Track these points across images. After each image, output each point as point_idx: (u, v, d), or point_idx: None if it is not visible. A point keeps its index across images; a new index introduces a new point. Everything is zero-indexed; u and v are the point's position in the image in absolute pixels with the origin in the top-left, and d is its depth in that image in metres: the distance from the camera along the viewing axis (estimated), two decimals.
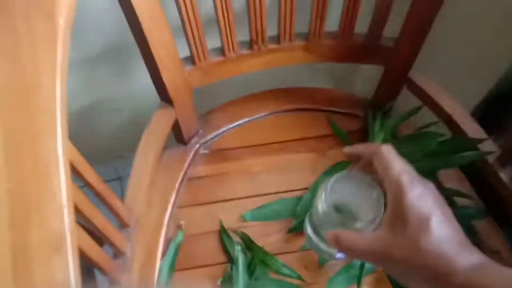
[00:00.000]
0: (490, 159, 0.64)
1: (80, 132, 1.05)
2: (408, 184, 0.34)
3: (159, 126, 0.64)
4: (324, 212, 0.44)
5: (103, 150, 1.05)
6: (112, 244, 0.51)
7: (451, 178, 0.73)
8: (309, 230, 0.54)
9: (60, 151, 0.34)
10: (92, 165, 0.51)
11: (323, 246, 0.52)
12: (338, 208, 0.44)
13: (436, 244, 0.31)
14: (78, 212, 0.40)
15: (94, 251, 0.44)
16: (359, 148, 0.43)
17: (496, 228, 0.68)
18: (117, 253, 0.53)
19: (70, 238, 0.34)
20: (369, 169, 0.41)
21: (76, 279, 0.34)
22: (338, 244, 0.38)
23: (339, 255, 0.54)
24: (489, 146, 0.65)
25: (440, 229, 0.32)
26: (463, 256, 0.30)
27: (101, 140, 1.05)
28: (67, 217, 0.34)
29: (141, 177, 0.60)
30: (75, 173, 0.44)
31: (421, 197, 0.34)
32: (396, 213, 0.34)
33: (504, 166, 0.63)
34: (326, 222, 0.46)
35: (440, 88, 0.70)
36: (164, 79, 0.59)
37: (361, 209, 0.45)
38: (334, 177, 0.44)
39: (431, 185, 0.36)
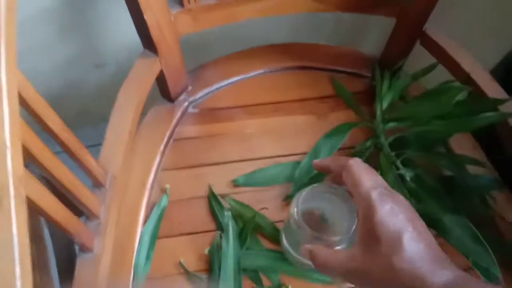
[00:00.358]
0: (510, 121, 0.57)
1: (58, 93, 0.97)
2: (377, 201, 0.33)
3: (141, 76, 0.57)
4: (297, 224, 0.44)
5: (86, 113, 0.98)
6: (82, 205, 0.44)
7: (464, 144, 0.67)
8: (285, 241, 0.54)
9: (2, 74, 0.27)
10: (73, 129, 0.44)
11: (300, 258, 0.52)
12: (312, 220, 0.44)
13: (410, 263, 0.30)
14: (31, 159, 0.33)
15: (56, 209, 0.37)
16: (327, 161, 0.42)
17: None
18: (89, 215, 0.47)
19: (14, 188, 0.27)
20: (341, 181, 0.40)
21: (22, 241, 0.27)
22: (313, 260, 0.38)
23: None
24: (510, 108, 0.58)
25: (413, 246, 0.31)
26: (437, 274, 0.30)
27: (82, 100, 0.97)
28: (11, 162, 0.27)
29: (118, 133, 0.52)
30: (35, 119, 0.37)
31: (392, 213, 0.33)
32: (369, 231, 0.33)
33: None
34: (300, 234, 0.45)
35: (458, 44, 0.63)
36: (146, 19, 0.51)
37: (335, 221, 0.46)
38: (307, 189, 0.44)
39: (401, 198, 0.35)
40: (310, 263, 0.50)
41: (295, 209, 0.44)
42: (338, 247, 0.44)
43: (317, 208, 0.48)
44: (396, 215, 0.33)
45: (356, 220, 0.42)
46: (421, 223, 0.33)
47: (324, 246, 0.42)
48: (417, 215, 0.34)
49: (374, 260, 0.32)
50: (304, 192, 0.44)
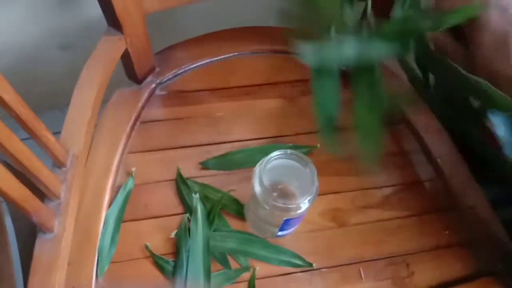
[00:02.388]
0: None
1: (22, 76, 0.93)
2: None
3: (105, 54, 0.55)
4: (260, 191, 0.48)
5: (53, 97, 0.94)
6: (41, 184, 0.43)
7: (430, 130, 0.68)
8: (249, 211, 0.56)
9: None
10: (39, 114, 0.42)
11: (264, 225, 0.54)
12: (274, 187, 0.48)
13: None
14: None
15: (12, 186, 0.35)
16: None
17: (473, 183, 0.64)
18: (49, 195, 0.45)
19: None
20: None
21: None
22: None
23: (280, 233, 0.55)
24: None
25: None
26: None
27: (50, 84, 0.94)
28: None
29: (80, 111, 0.50)
30: None
31: None
32: None
33: None
34: (263, 201, 0.48)
35: None
36: None
37: (296, 186, 0.51)
38: (269, 156, 0.48)
39: None
40: (275, 230, 0.54)
41: (258, 175, 0.48)
42: (302, 209, 0.48)
43: (279, 173, 0.51)
44: None
45: (317, 184, 0.47)
46: None
47: (290, 210, 0.48)
48: None
49: None
50: (266, 159, 0.49)
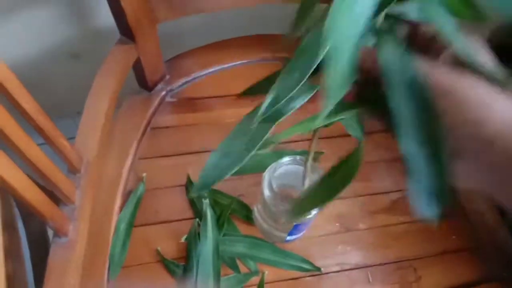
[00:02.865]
0: None
1: (32, 84, 0.94)
2: None
3: (117, 62, 0.56)
4: (269, 197, 0.48)
5: (61, 105, 0.96)
6: (57, 189, 0.44)
7: None
8: (258, 216, 0.56)
9: None
10: None
11: (273, 230, 0.55)
12: (283, 192, 0.47)
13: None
14: (6, 141, 0.33)
15: (29, 189, 0.37)
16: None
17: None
18: (64, 200, 0.46)
19: None
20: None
21: None
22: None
23: (289, 238, 0.55)
24: None
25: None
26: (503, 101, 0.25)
27: (58, 93, 0.96)
28: None
29: (94, 118, 0.52)
30: (7, 97, 0.36)
31: None
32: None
33: None
34: (272, 206, 0.48)
35: None
36: (123, 5, 0.51)
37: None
38: (278, 162, 0.49)
39: None
40: (283, 235, 0.55)
41: (267, 181, 0.49)
42: (311, 214, 0.49)
43: (287, 179, 0.51)
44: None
45: None
46: None
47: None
48: None
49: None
50: (276, 164, 0.49)
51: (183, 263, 0.56)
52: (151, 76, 0.65)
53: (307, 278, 0.57)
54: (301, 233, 0.57)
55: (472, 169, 0.26)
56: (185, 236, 0.58)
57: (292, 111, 0.32)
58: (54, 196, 0.46)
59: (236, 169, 0.31)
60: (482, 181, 0.27)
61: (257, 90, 0.48)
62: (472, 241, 0.61)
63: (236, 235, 0.58)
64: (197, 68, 0.71)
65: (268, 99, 0.31)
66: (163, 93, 0.68)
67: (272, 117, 0.32)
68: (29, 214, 0.56)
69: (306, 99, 0.32)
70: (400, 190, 0.65)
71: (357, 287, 0.57)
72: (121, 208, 0.59)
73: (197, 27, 0.84)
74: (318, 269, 0.57)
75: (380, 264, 0.59)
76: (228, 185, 0.62)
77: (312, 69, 0.28)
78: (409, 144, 0.26)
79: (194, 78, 0.71)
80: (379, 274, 0.58)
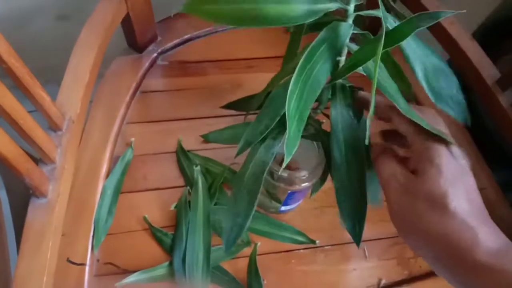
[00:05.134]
0: (489, 82, 0.56)
1: (17, 47, 0.90)
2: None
3: (104, 16, 0.52)
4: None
5: (49, 69, 0.91)
6: (36, 146, 0.40)
7: (438, 110, 0.66)
8: None
9: None
10: None
11: (267, 200, 0.52)
12: (278, 158, 0.44)
13: (466, 207, 0.28)
14: None
15: (5, 144, 0.33)
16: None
17: (482, 164, 0.62)
18: (44, 159, 0.43)
19: None
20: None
21: None
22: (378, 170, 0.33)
23: (283, 208, 0.54)
24: (489, 69, 0.57)
25: (473, 192, 0.29)
26: (490, 235, 0.27)
27: (44, 56, 0.91)
28: None
29: (78, 74, 0.48)
30: None
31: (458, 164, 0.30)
32: (423, 162, 0.30)
33: (504, 90, 0.55)
34: (268, 173, 0.44)
35: (439, 2, 0.61)
36: None
37: (302, 159, 0.47)
38: None
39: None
40: (277, 205, 0.52)
41: None
42: (306, 183, 0.46)
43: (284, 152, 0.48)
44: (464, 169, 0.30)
45: (323, 157, 0.44)
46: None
47: (295, 183, 0.46)
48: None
49: (424, 189, 0.28)
50: None
51: (171, 232, 0.53)
52: (141, 36, 0.61)
53: (301, 250, 0.54)
54: (296, 204, 0.55)
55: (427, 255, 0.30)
56: (174, 204, 0.55)
57: (273, 156, 0.37)
58: (35, 158, 0.43)
59: (249, 222, 0.36)
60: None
61: (236, 106, 0.52)
62: None
63: (228, 204, 0.55)
64: (190, 30, 0.67)
65: (240, 144, 0.38)
66: (154, 55, 0.64)
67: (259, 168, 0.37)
68: (14, 183, 0.53)
69: (279, 144, 0.37)
70: None
71: (352, 261, 0.54)
72: (108, 174, 0.55)
73: None
74: (313, 241, 0.54)
75: (377, 239, 0.56)
76: (220, 154, 0.59)
77: (275, 121, 0.35)
78: (338, 182, 0.34)
79: (188, 41, 0.67)
80: (376, 249, 0.56)
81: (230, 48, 0.68)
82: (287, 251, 0.54)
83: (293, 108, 0.30)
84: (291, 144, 0.30)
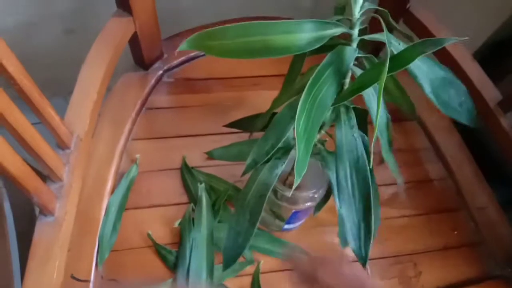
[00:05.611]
0: (491, 104, 0.57)
1: (22, 60, 0.91)
2: None
3: (113, 35, 0.53)
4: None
5: (54, 83, 0.92)
6: (44, 164, 0.41)
7: (440, 127, 0.67)
8: None
9: None
10: None
11: (270, 218, 0.52)
12: (283, 177, 0.45)
13: None
14: None
15: (15, 162, 0.34)
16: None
17: (483, 183, 0.63)
18: (52, 177, 0.43)
19: None
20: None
21: None
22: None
23: (287, 226, 0.54)
24: (491, 91, 0.58)
25: None
26: None
27: (50, 69, 0.92)
28: None
29: (86, 93, 0.49)
30: None
31: None
32: None
33: (506, 112, 0.56)
34: (272, 192, 0.46)
35: (441, 24, 0.62)
36: None
37: (306, 178, 0.44)
38: None
39: None
40: (280, 224, 0.53)
41: None
42: (309, 203, 0.46)
43: (287, 170, 0.48)
44: None
45: (327, 177, 0.43)
46: None
47: (298, 201, 0.46)
48: None
49: None
50: None
51: (175, 249, 0.53)
52: (148, 53, 0.62)
53: None
54: (300, 223, 0.55)
55: None
56: (178, 221, 0.55)
57: (276, 178, 0.38)
58: (42, 175, 0.43)
59: (249, 243, 0.37)
60: None
61: (240, 125, 0.51)
62: (474, 236, 0.59)
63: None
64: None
65: (247, 162, 0.39)
66: (160, 72, 0.65)
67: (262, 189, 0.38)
68: (17, 195, 0.54)
69: (283, 165, 0.38)
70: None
71: None
72: (112, 190, 0.56)
73: (197, 6, 0.81)
74: None
75: (379, 258, 0.57)
76: (224, 171, 0.60)
77: (282, 141, 0.36)
78: (345, 209, 0.35)
79: (193, 58, 0.68)
80: (378, 268, 0.56)
81: (235, 66, 0.69)
82: (290, 269, 0.54)
83: (302, 129, 0.31)
84: (300, 165, 0.31)
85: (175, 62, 0.67)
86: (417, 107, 0.68)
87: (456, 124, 0.67)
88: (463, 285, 0.56)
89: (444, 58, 0.61)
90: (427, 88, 0.38)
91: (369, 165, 0.34)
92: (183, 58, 0.67)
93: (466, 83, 0.58)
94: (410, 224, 0.60)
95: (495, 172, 0.66)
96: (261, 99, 0.67)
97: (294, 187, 0.31)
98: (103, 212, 0.54)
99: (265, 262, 0.54)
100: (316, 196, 0.47)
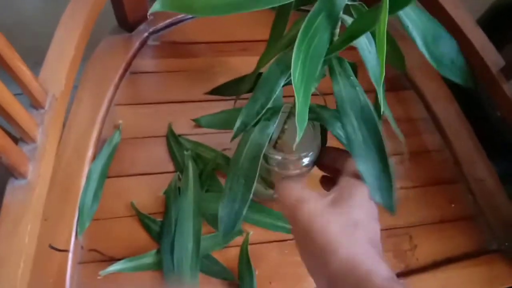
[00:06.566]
0: (494, 70, 0.54)
1: (7, 28, 0.87)
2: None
3: None
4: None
5: (38, 51, 0.88)
6: (15, 124, 0.38)
7: (438, 97, 0.64)
8: None
9: None
10: None
11: (260, 188, 0.50)
12: (273, 142, 0.43)
13: (371, 239, 0.30)
14: None
15: None
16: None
17: (482, 155, 0.61)
18: (24, 137, 0.40)
19: None
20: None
21: None
22: (278, 191, 0.36)
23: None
24: (493, 57, 0.55)
25: (377, 232, 0.32)
26: (384, 267, 0.29)
27: (33, 36, 0.88)
28: None
29: (62, 49, 0.45)
30: None
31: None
32: (346, 191, 0.33)
33: (508, 79, 0.53)
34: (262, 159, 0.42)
35: None
36: None
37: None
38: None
39: None
40: (271, 192, 0.51)
41: None
42: (304, 165, 0.43)
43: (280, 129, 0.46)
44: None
45: (320, 140, 0.42)
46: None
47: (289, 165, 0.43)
48: None
49: (338, 214, 0.31)
50: None
51: (160, 218, 0.51)
52: (132, 14, 0.58)
53: (294, 240, 0.52)
54: None
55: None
56: (164, 190, 0.52)
57: (269, 137, 0.35)
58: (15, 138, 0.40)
59: (246, 208, 0.35)
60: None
61: (224, 91, 0.49)
62: (471, 209, 0.57)
63: (219, 191, 0.53)
64: None
65: (236, 125, 0.36)
66: (145, 34, 0.62)
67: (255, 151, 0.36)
68: None
69: (275, 124, 0.36)
70: (397, 154, 0.60)
71: None
72: (94, 157, 0.53)
73: None
74: None
75: None
76: (212, 139, 0.57)
77: (272, 99, 0.34)
78: (363, 165, 0.32)
79: (180, 21, 0.64)
80: None
81: (225, 30, 0.65)
82: (280, 241, 0.52)
83: (298, 80, 0.28)
84: (301, 118, 0.28)
85: (161, 24, 0.63)
86: (414, 75, 0.66)
87: (455, 94, 0.64)
88: (460, 259, 0.54)
89: (446, 23, 0.58)
90: (419, 42, 0.35)
91: (381, 108, 0.31)
92: (169, 20, 0.63)
93: (468, 49, 0.56)
94: (406, 196, 0.57)
95: (495, 145, 0.63)
96: (252, 65, 0.63)
97: (297, 140, 0.28)
98: (83, 180, 0.51)
99: (255, 233, 0.51)
100: (306, 161, 0.44)
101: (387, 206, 0.33)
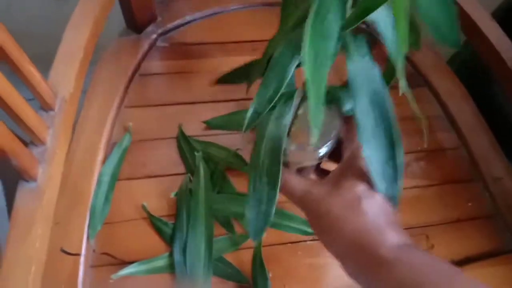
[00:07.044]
0: (510, 64, 0.53)
1: (15, 29, 0.87)
2: None
3: None
4: None
5: (48, 54, 0.89)
6: (25, 127, 0.37)
7: (453, 95, 0.63)
8: None
9: None
10: None
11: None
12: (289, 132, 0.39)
13: (376, 210, 0.30)
14: None
15: None
16: None
17: (499, 152, 0.59)
18: (34, 140, 0.39)
19: None
20: None
21: None
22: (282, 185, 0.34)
23: None
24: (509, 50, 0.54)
25: (383, 201, 0.31)
26: (392, 234, 0.29)
27: (43, 39, 0.88)
28: None
29: (71, 52, 0.45)
30: None
31: None
32: (346, 169, 0.33)
33: None
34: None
35: None
36: None
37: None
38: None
39: None
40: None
41: None
42: (320, 155, 0.40)
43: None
44: None
45: (338, 122, 0.39)
46: None
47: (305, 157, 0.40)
48: None
49: (339, 193, 0.31)
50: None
51: (172, 221, 0.50)
52: (140, 15, 0.58)
53: (308, 242, 0.51)
54: None
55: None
56: (175, 192, 0.52)
57: (286, 128, 0.33)
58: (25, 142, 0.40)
59: (273, 210, 0.33)
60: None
61: (233, 78, 0.45)
62: (488, 208, 0.56)
63: (231, 192, 0.52)
64: (192, 10, 0.64)
65: (248, 114, 0.33)
66: (154, 36, 0.61)
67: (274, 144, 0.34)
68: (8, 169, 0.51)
69: (290, 112, 0.34)
70: (413, 152, 0.59)
71: None
72: (104, 160, 0.53)
73: None
74: None
75: None
76: (223, 140, 0.56)
77: (285, 83, 0.31)
78: (370, 150, 0.30)
79: (189, 22, 0.64)
80: None
81: (234, 30, 0.65)
82: (293, 242, 0.51)
83: (309, 59, 0.26)
84: (316, 104, 0.26)
85: (170, 25, 0.62)
86: (428, 73, 0.65)
87: (469, 91, 0.63)
88: (478, 259, 0.52)
89: (462, 17, 0.57)
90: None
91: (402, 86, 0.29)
92: (178, 21, 0.63)
93: (483, 43, 0.55)
94: (422, 195, 0.56)
95: None
96: None
97: (315, 138, 0.27)
98: (94, 183, 0.50)
99: (268, 235, 0.50)
100: (323, 151, 0.42)
101: (390, 197, 0.31)
